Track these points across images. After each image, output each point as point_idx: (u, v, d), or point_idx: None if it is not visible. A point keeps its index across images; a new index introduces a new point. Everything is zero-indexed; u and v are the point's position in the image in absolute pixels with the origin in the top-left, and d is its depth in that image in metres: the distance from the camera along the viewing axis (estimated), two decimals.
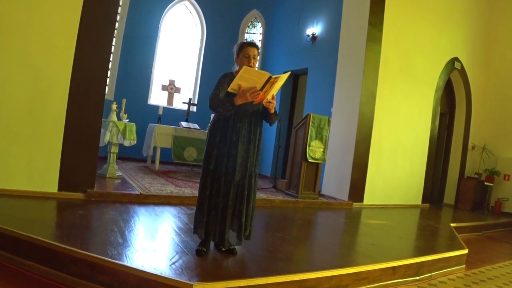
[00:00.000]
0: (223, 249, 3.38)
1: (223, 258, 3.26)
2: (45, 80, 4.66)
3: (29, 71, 4.58)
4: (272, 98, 3.23)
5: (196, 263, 3.06)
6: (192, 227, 3.46)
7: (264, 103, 3.23)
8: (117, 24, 8.75)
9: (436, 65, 8.96)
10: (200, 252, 3.24)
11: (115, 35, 8.62)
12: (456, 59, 9.38)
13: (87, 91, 4.90)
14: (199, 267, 3.00)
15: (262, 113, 3.41)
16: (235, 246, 3.43)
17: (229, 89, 3.14)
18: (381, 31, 7.60)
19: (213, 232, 3.30)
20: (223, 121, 3.31)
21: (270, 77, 3.02)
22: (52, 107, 4.72)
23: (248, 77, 3.05)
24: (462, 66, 9.58)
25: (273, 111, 3.33)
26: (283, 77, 3.09)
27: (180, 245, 3.48)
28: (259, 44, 11.43)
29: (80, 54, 4.80)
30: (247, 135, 3.33)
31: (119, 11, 8.80)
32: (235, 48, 3.43)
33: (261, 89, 3.07)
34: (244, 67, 3.08)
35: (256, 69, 3.38)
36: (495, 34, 10.17)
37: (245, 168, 3.32)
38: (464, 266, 4.56)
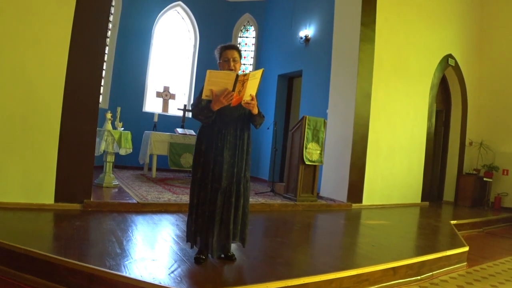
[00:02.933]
0: (222, 256, 3.34)
1: (222, 265, 3.23)
2: (38, 91, 4.63)
3: (22, 82, 4.56)
4: (252, 99, 3.13)
5: (195, 271, 3.03)
6: None
7: (243, 104, 3.14)
8: (109, 32, 8.76)
9: (430, 62, 8.98)
10: (199, 260, 3.20)
11: (107, 43, 8.61)
12: (450, 55, 9.41)
13: (81, 101, 4.87)
14: (198, 275, 2.98)
15: (248, 116, 3.35)
16: (234, 253, 3.40)
17: (203, 97, 3.09)
18: (373, 30, 7.61)
19: (201, 241, 3.26)
20: (208, 128, 3.28)
21: (237, 76, 2.93)
22: (46, 117, 4.69)
23: (216, 80, 2.97)
24: (456, 62, 9.60)
25: (255, 111, 3.24)
26: (255, 74, 3.01)
27: (178, 253, 3.44)
28: (252, 47, 11.43)
29: (73, 64, 4.78)
30: (233, 141, 3.28)
31: (111, 19, 8.81)
32: (216, 53, 3.39)
33: (233, 89, 2.98)
34: (208, 70, 2.99)
35: (247, 71, 3.31)
36: (488, 29, 10.20)
37: (232, 174, 3.26)
38: (465, 263, 4.54)
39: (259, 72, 3.06)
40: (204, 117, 3.16)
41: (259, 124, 3.39)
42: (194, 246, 3.33)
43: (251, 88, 3.07)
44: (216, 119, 3.24)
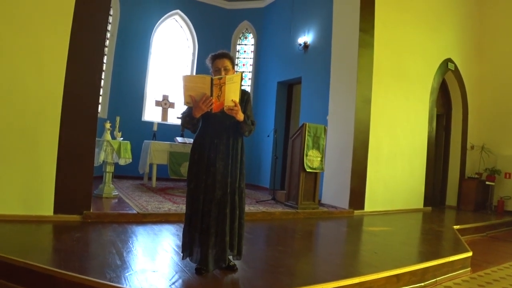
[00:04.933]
0: (223, 266, 3.29)
1: (223, 276, 3.19)
2: (36, 101, 4.61)
3: (20, 93, 4.54)
4: (235, 105, 3.06)
5: (196, 282, 2.99)
6: None
7: (225, 111, 3.07)
8: (108, 41, 8.76)
9: (429, 67, 8.97)
10: (200, 271, 3.15)
11: (106, 52, 8.60)
12: (449, 60, 9.40)
13: (80, 111, 4.85)
14: (199, 286, 2.94)
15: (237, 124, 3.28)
16: (235, 262, 3.36)
17: (184, 104, 3.07)
18: (372, 36, 7.61)
19: (195, 253, 3.23)
20: (200, 138, 3.26)
21: (212, 79, 2.90)
22: (45, 128, 4.66)
23: (193, 86, 2.95)
24: (455, 66, 9.59)
25: (239, 117, 3.15)
26: (232, 78, 2.96)
27: (179, 264, 3.40)
28: (251, 55, 11.44)
29: (71, 74, 4.76)
30: (225, 151, 3.24)
31: (109, 28, 8.82)
32: (207, 63, 3.35)
33: (211, 94, 2.94)
34: (183, 76, 2.97)
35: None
36: (487, 33, 10.20)
37: (226, 185, 3.21)
38: (469, 269, 4.50)
39: (238, 76, 3.01)
40: (190, 125, 3.17)
41: (247, 131, 3.29)
42: (188, 257, 3.28)
43: (231, 93, 3.00)
44: (208, 129, 3.23)
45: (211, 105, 2.98)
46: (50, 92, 4.68)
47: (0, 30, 4.45)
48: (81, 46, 4.84)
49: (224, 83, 2.92)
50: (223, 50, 3.41)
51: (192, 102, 3.00)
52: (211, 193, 3.17)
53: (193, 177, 3.24)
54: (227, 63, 3.24)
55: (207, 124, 3.23)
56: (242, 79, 3.09)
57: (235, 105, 3.06)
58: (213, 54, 3.32)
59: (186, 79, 2.96)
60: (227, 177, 3.22)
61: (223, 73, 3.19)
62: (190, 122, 3.14)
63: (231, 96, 3.01)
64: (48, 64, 4.68)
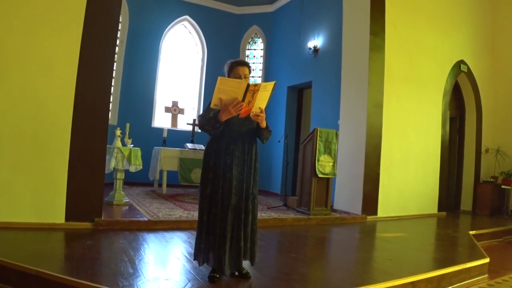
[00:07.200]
0: (237, 273, 3.27)
1: (236, 284, 3.15)
2: (47, 109, 4.63)
3: (31, 101, 4.56)
4: (261, 111, 3.11)
5: None
6: None
7: (251, 116, 3.10)
8: (117, 48, 8.79)
9: (441, 69, 8.87)
10: (212, 279, 3.12)
11: (115, 59, 8.63)
12: (462, 61, 9.28)
13: (91, 118, 4.86)
14: None
15: (255, 131, 3.32)
16: (248, 270, 3.33)
17: (212, 106, 3.04)
18: (383, 39, 7.54)
19: (212, 258, 3.21)
20: (216, 143, 3.25)
21: (248, 85, 2.87)
22: (56, 136, 4.68)
23: (227, 89, 2.92)
24: (468, 68, 9.46)
25: (263, 125, 3.20)
26: (266, 86, 2.96)
27: (192, 272, 3.37)
28: (260, 60, 11.43)
29: (81, 81, 4.78)
30: (241, 156, 3.24)
31: (118, 35, 8.84)
32: (226, 68, 3.36)
33: (243, 99, 2.93)
34: (219, 78, 2.92)
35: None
36: (500, 33, 10.06)
37: (241, 190, 3.22)
38: (486, 275, 4.40)
39: (271, 85, 3.00)
40: (212, 128, 3.12)
41: (266, 138, 3.35)
42: (205, 263, 3.27)
43: (260, 100, 3.01)
44: (224, 134, 3.22)
45: (240, 110, 2.97)
46: (61, 100, 4.70)
47: (11, 39, 4.47)
48: (91, 53, 4.86)
49: (258, 90, 2.91)
50: (241, 58, 3.42)
51: (221, 105, 2.99)
52: (227, 199, 3.17)
53: (208, 183, 3.23)
54: (247, 71, 3.29)
55: (224, 129, 3.21)
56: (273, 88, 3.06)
57: (261, 112, 3.10)
58: (234, 61, 3.35)
59: (222, 81, 2.90)
60: (242, 183, 3.23)
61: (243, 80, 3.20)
62: (214, 125, 3.11)
63: (260, 103, 3.04)
64: (59, 71, 4.70)
